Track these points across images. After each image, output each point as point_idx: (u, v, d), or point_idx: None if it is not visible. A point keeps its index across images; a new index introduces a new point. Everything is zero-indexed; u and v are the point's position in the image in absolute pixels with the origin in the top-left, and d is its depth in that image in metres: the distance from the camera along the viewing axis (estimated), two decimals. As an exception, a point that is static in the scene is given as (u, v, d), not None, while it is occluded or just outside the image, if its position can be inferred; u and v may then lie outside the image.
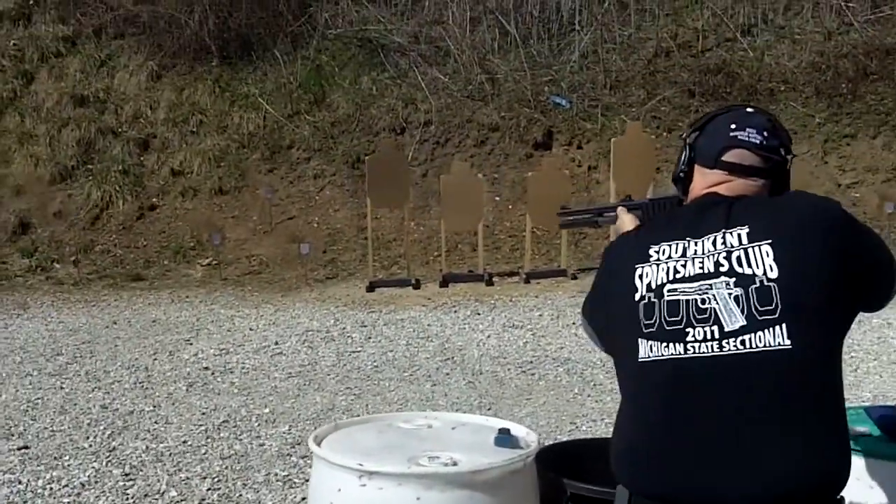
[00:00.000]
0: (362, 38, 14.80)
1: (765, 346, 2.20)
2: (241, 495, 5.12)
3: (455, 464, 2.59)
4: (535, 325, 9.04)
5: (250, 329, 9.16)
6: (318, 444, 2.77)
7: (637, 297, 2.33)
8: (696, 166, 2.48)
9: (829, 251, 2.25)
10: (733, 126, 2.43)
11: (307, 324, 9.29)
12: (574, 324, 9.01)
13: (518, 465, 2.64)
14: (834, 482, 2.24)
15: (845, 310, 2.28)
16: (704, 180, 2.45)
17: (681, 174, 2.53)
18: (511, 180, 12.96)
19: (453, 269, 11.32)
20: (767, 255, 2.25)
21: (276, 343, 8.56)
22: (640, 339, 2.31)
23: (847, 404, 2.39)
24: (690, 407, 2.26)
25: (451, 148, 13.35)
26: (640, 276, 2.35)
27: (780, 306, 2.21)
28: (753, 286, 2.24)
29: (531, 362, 7.83)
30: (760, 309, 2.22)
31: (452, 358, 8.00)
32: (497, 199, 12.85)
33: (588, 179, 12.97)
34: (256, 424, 6.34)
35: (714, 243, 2.32)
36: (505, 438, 2.76)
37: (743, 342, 2.22)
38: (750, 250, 2.28)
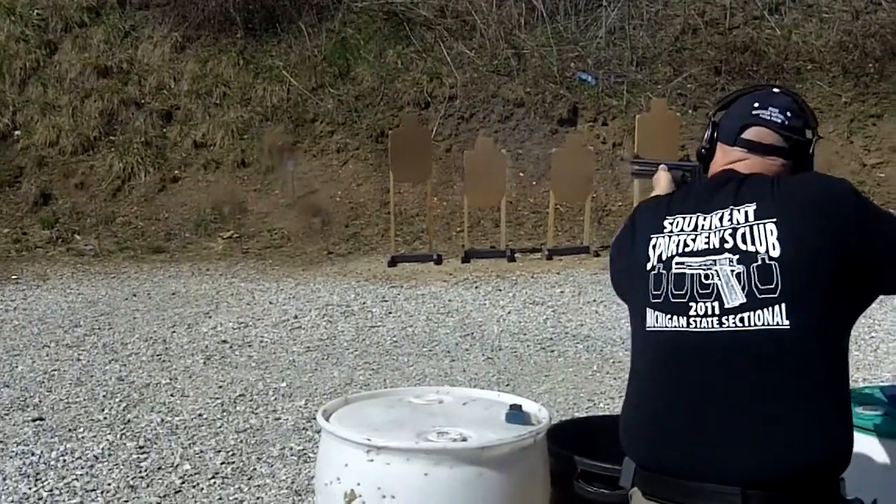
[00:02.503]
0: (388, 11, 14.70)
1: (763, 324, 2.20)
2: (255, 469, 5.12)
3: (465, 439, 2.56)
4: (555, 302, 9.00)
5: (270, 303, 9.15)
6: (327, 419, 2.74)
7: (649, 266, 2.36)
8: (719, 144, 2.47)
9: (835, 235, 2.21)
10: (756, 105, 2.42)
11: (327, 298, 9.28)
12: (595, 301, 8.97)
13: (528, 441, 2.61)
14: (829, 464, 2.22)
15: (853, 295, 2.24)
16: (725, 157, 2.44)
17: (703, 150, 2.53)
18: (535, 156, 12.88)
19: (475, 245, 11.29)
20: (771, 234, 2.24)
21: (296, 317, 8.55)
22: (647, 308, 2.34)
23: (867, 384, 2.37)
24: (689, 381, 2.27)
25: (475, 123, 13.27)
26: (654, 247, 2.37)
27: (780, 286, 2.20)
28: (755, 264, 2.23)
29: (551, 339, 7.79)
30: (761, 287, 2.21)
31: (472, 334, 7.96)
32: (521, 174, 12.78)
33: (613, 156, 12.88)
34: (273, 398, 6.33)
35: (721, 219, 2.31)
36: (516, 415, 2.73)
37: (742, 319, 2.22)
38: (755, 227, 2.26)
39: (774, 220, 2.25)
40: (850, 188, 2.30)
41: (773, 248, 2.23)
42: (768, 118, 2.39)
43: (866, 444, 2.74)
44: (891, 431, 2.79)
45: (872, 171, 12.28)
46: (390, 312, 8.71)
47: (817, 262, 2.20)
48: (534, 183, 12.62)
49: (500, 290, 9.48)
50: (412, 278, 10.10)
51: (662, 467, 2.28)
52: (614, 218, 12.01)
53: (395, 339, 7.84)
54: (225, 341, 7.78)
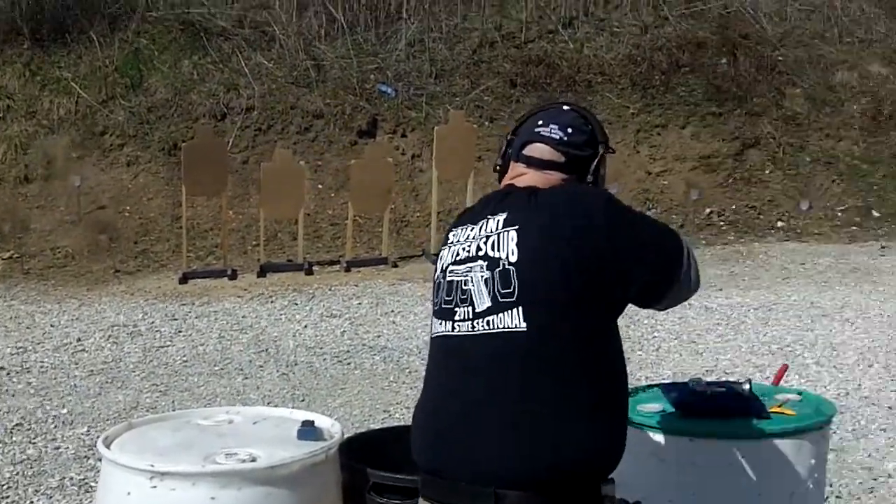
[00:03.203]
0: (184, 21, 14.34)
1: (504, 327, 2.30)
2: (32, 502, 4.90)
3: (253, 460, 2.52)
4: (353, 314, 8.95)
5: (51, 325, 8.71)
6: (108, 446, 2.65)
7: (436, 276, 2.51)
8: (511, 160, 2.59)
9: (581, 241, 2.30)
10: (540, 122, 2.54)
11: (113, 318, 8.90)
12: (393, 312, 8.98)
13: (319, 457, 2.60)
14: (584, 464, 2.29)
15: (605, 298, 2.32)
16: (511, 172, 2.56)
17: (496, 166, 2.64)
18: (335, 168, 12.81)
19: (272, 259, 11.11)
20: (512, 241, 2.34)
21: (79, 339, 8.18)
22: (433, 316, 2.49)
23: (649, 382, 2.43)
24: (453, 384, 2.38)
25: (273, 135, 13.10)
26: (441, 257, 2.50)
27: (517, 290, 2.30)
28: (498, 269, 2.33)
29: (348, 351, 7.75)
30: (502, 291, 2.31)
31: (267, 350, 7.83)
32: (320, 186, 12.68)
33: (412, 168, 12.96)
34: (53, 426, 6.07)
35: (481, 229, 2.42)
36: (308, 431, 2.73)
37: (488, 322, 2.32)
38: (501, 235, 2.36)
39: (516, 227, 2.35)
40: (604, 197, 2.40)
41: (512, 254, 2.32)
42: (548, 135, 2.50)
43: (647, 442, 2.86)
44: (669, 428, 2.90)
45: (657, 179, 12.81)
46: (180, 331, 8.45)
47: (556, 267, 2.29)
48: (332, 195, 12.54)
49: (296, 304, 9.36)
50: (205, 295, 9.83)
51: (432, 468, 2.37)
52: (413, 229, 12.07)
53: (185, 358, 7.62)
54: (2, 368, 7.38)
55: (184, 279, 10.41)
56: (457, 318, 2.38)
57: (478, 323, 2.33)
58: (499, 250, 2.35)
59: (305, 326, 8.55)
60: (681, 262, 2.41)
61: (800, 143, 13.37)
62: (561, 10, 14.52)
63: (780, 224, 12.34)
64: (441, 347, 2.43)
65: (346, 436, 2.97)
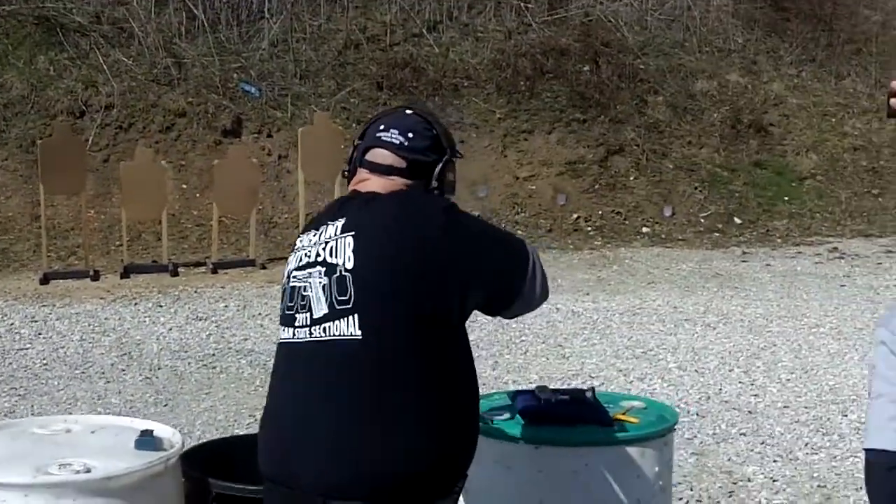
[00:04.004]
0: (39, 16, 13.88)
1: (340, 334, 2.27)
2: None
3: (88, 471, 2.43)
4: (219, 317, 8.82)
5: None
6: None
7: (282, 283, 2.48)
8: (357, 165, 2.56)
9: (414, 250, 2.28)
10: (381, 127, 2.49)
11: (-32, 321, 8.60)
12: (260, 314, 8.89)
13: (158, 468, 2.52)
14: (417, 476, 2.26)
15: (435, 308, 2.28)
16: (356, 178, 2.52)
17: (344, 172, 2.59)
18: (199, 168, 12.60)
19: (136, 260, 10.87)
20: (349, 246, 2.31)
21: (-70, 343, 7.87)
22: (279, 323, 2.45)
23: (516, 387, 2.43)
24: (292, 390, 2.36)
25: (135, 133, 12.80)
26: (288, 263, 2.47)
27: (353, 297, 2.27)
28: (335, 275, 2.30)
29: (213, 355, 7.63)
30: (339, 298, 2.28)
31: (129, 353, 7.65)
32: (184, 186, 12.46)
33: (279, 168, 12.85)
34: None
35: (321, 234, 2.39)
36: (146, 441, 2.64)
37: (325, 329, 2.29)
38: (339, 240, 2.34)
39: (353, 233, 2.32)
40: (443, 205, 2.38)
41: (349, 261, 2.29)
42: (388, 139, 2.46)
43: (493, 449, 2.81)
44: (514, 436, 2.88)
45: (524, 183, 12.99)
46: (40, 333, 8.19)
47: (391, 274, 2.26)
48: (197, 195, 12.34)
49: (161, 307, 9.17)
50: (66, 296, 9.55)
51: (271, 476, 2.35)
52: (280, 230, 11.97)
53: (45, 361, 7.39)
54: None
55: (45, 280, 10.09)
56: (297, 324, 2.34)
57: (315, 330, 2.30)
58: (336, 256, 2.31)
59: (170, 329, 8.39)
60: (525, 272, 2.40)
61: (662, 150, 13.75)
62: (425, 13, 14.60)
63: (644, 230, 12.65)
64: (283, 354, 2.40)
65: (192, 445, 2.93)
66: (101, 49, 13.51)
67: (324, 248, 2.34)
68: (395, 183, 2.43)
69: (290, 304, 2.39)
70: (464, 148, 13.04)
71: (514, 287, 2.40)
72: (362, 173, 2.48)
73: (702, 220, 12.91)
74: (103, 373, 7.13)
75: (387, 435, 2.23)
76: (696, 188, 13.31)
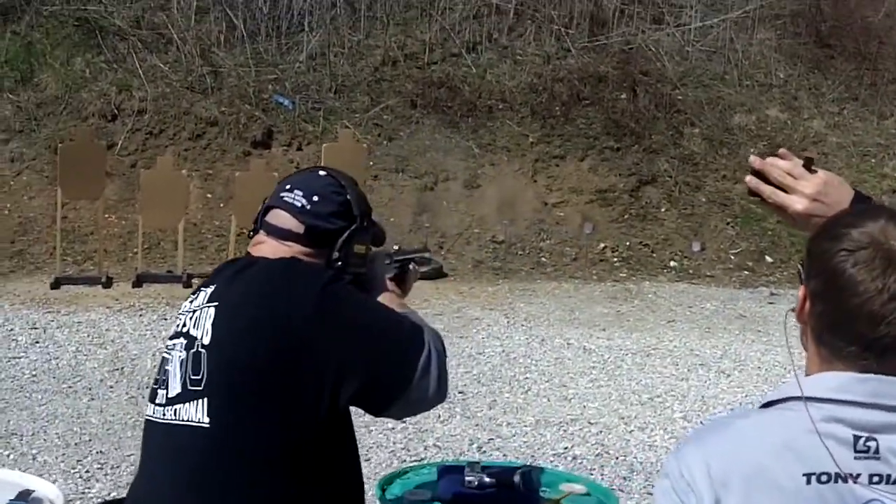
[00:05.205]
0: (80, 17, 13.94)
1: (188, 419, 2.05)
2: None
3: None
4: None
5: None
6: None
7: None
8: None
9: (277, 330, 2.03)
10: (287, 187, 2.27)
11: (-32, 324, 8.55)
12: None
13: None
14: None
15: (297, 399, 2.01)
16: (253, 240, 2.30)
17: (249, 233, 2.37)
18: (225, 178, 12.51)
19: (151, 269, 10.80)
20: (209, 319, 2.09)
21: (-75, 345, 7.83)
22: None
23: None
24: (145, 469, 2.18)
25: (164, 139, 12.77)
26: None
27: (206, 378, 2.04)
28: (192, 350, 2.08)
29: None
30: (192, 378, 2.06)
31: (122, 369, 7.55)
32: (209, 196, 12.39)
33: (304, 183, 12.72)
34: None
35: (192, 302, 2.19)
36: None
37: (175, 412, 2.08)
38: (202, 311, 2.11)
39: (216, 304, 2.10)
40: (323, 281, 2.10)
41: (207, 335, 2.07)
42: (290, 201, 2.23)
43: None
44: None
45: (553, 210, 12.76)
46: (37, 342, 8.11)
47: (248, 356, 2.02)
48: (221, 205, 12.26)
49: (165, 319, 9.04)
50: (74, 303, 9.48)
51: None
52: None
53: (34, 372, 7.30)
54: None
55: (56, 284, 10.04)
56: (156, 400, 2.15)
57: (168, 411, 2.10)
58: (197, 328, 2.10)
59: (170, 344, 8.27)
60: (413, 369, 2.07)
61: (696, 183, 13.43)
62: (465, 34, 14.43)
63: (672, 263, 12.34)
64: (145, 431, 2.23)
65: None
66: (138, 53, 13.52)
67: (190, 318, 2.14)
68: (290, 250, 2.19)
69: (157, 377, 2.21)
70: (493, 171, 12.90)
71: (398, 384, 2.08)
72: (260, 235, 2.27)
73: (732, 257, 12.56)
74: (90, 388, 7.03)
75: None
76: (728, 223, 12.97)
